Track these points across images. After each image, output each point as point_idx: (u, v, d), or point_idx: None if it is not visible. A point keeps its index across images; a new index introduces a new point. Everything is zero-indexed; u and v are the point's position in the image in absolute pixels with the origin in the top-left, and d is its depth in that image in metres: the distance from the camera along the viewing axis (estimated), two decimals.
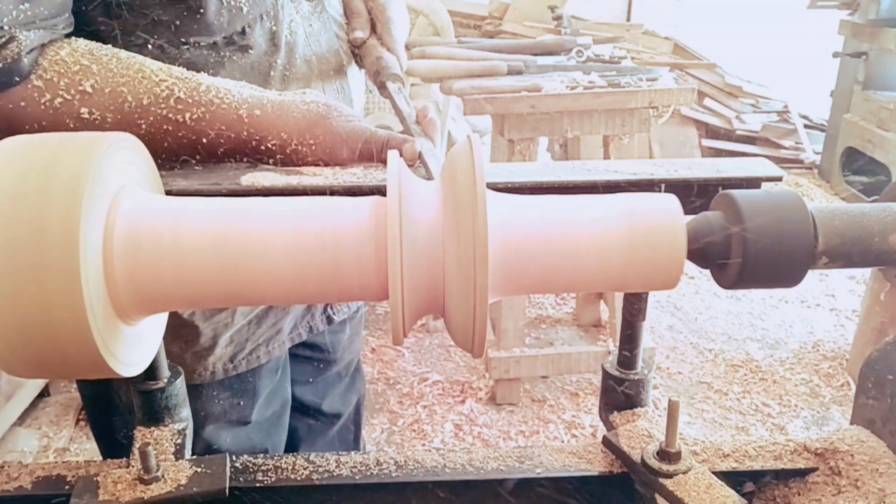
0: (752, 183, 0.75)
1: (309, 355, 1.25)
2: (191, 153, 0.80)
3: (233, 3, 0.84)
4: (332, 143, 0.78)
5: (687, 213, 0.62)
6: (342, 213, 0.58)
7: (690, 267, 0.62)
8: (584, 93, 2.16)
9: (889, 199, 1.88)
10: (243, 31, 0.87)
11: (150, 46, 0.82)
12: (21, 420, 2.42)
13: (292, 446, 1.30)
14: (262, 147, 0.79)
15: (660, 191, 0.74)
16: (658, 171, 0.75)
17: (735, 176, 0.75)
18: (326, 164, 0.78)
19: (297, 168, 0.77)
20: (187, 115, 0.76)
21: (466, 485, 0.78)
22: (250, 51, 0.88)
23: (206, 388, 1.04)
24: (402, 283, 0.55)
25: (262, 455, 0.79)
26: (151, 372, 0.77)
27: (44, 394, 2.55)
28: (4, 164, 0.53)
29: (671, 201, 0.61)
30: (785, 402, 2.69)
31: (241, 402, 1.08)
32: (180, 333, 0.98)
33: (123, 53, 0.78)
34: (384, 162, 0.78)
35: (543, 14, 3.78)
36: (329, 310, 1.16)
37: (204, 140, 0.78)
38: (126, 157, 0.60)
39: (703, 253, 0.61)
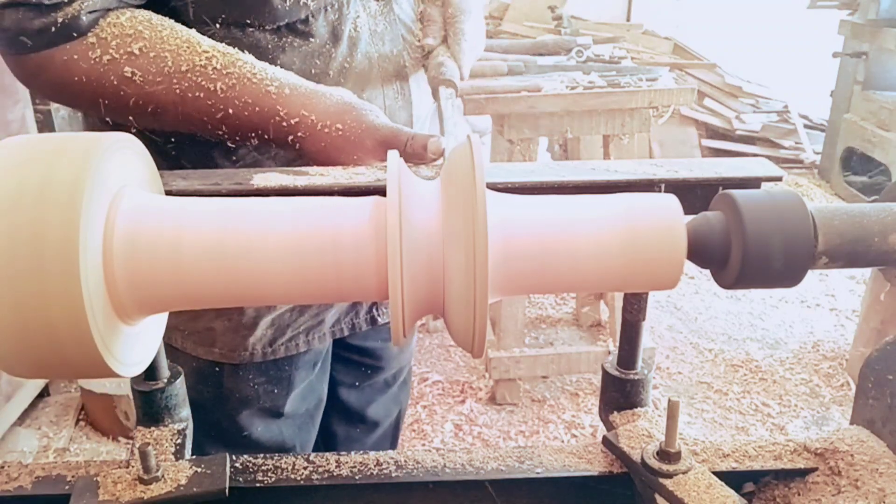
0: (752, 183, 0.75)
1: (357, 360, 1.26)
2: (217, 123, 0.82)
3: None
4: (360, 132, 0.79)
5: (687, 213, 0.62)
6: (342, 214, 0.58)
7: (690, 267, 0.62)
8: (584, 93, 2.16)
9: (889, 199, 1.88)
10: (306, 20, 0.89)
11: (217, 26, 0.86)
12: (21, 420, 2.42)
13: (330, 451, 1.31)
14: (285, 124, 0.81)
15: (660, 191, 0.74)
16: (658, 171, 0.75)
17: (735, 176, 0.75)
18: (348, 155, 0.80)
19: (300, 168, 0.77)
20: (218, 84, 0.80)
21: (466, 485, 0.78)
22: (311, 39, 0.91)
23: (242, 369, 1.06)
24: (402, 284, 0.55)
25: (262, 455, 0.79)
26: (151, 372, 0.77)
27: (43, 394, 2.55)
28: (4, 166, 0.53)
29: (671, 201, 0.61)
30: (785, 402, 2.69)
31: (276, 390, 1.09)
32: (224, 311, 1.01)
33: (179, 27, 0.82)
34: (408, 158, 0.79)
35: (543, 14, 3.78)
36: (374, 311, 1.16)
37: (230, 111, 0.80)
38: (125, 157, 0.59)
39: (703, 253, 0.61)
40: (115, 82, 0.80)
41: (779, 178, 0.76)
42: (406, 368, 1.39)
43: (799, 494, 0.78)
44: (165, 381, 0.78)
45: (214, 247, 0.56)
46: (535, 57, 2.39)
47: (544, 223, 0.59)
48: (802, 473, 0.78)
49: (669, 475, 0.71)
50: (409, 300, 0.56)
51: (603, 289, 0.62)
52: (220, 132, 0.83)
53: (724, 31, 5.58)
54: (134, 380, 0.78)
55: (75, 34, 0.78)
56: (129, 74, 0.79)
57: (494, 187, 0.68)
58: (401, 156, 0.79)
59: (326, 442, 1.29)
